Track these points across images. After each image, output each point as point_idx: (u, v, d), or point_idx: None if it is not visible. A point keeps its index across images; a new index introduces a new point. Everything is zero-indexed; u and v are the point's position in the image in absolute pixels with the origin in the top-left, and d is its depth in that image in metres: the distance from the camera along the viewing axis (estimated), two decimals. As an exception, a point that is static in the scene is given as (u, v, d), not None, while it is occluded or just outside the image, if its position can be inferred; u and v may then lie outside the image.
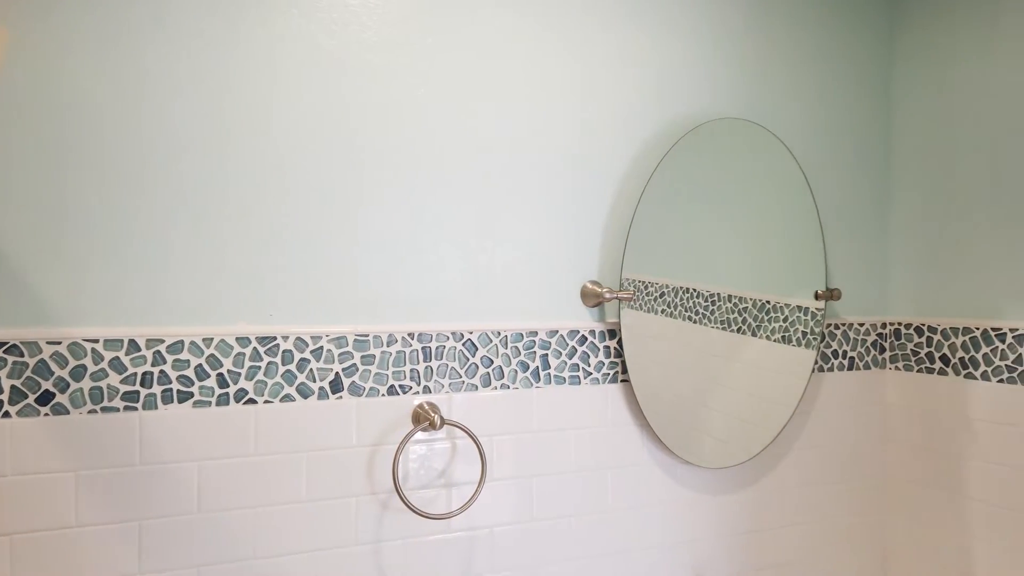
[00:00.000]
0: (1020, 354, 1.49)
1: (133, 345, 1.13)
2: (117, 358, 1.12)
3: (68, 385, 1.10)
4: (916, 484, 1.70)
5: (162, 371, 1.15)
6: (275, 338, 1.22)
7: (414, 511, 1.23)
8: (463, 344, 1.35)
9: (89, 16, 1.11)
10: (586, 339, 1.45)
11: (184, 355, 1.16)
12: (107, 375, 1.12)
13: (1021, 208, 1.50)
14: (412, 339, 1.31)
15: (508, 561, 1.38)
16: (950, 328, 1.63)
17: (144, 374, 1.14)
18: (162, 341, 1.15)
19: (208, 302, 1.18)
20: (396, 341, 1.30)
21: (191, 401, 1.16)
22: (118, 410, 1.12)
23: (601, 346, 1.47)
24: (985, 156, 1.57)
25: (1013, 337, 1.50)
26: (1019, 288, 1.50)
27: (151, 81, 1.14)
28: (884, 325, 1.78)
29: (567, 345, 1.43)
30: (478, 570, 1.36)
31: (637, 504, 1.50)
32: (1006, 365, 1.52)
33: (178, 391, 1.16)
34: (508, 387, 1.39)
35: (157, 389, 1.14)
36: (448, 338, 1.34)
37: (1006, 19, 1.53)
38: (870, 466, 1.76)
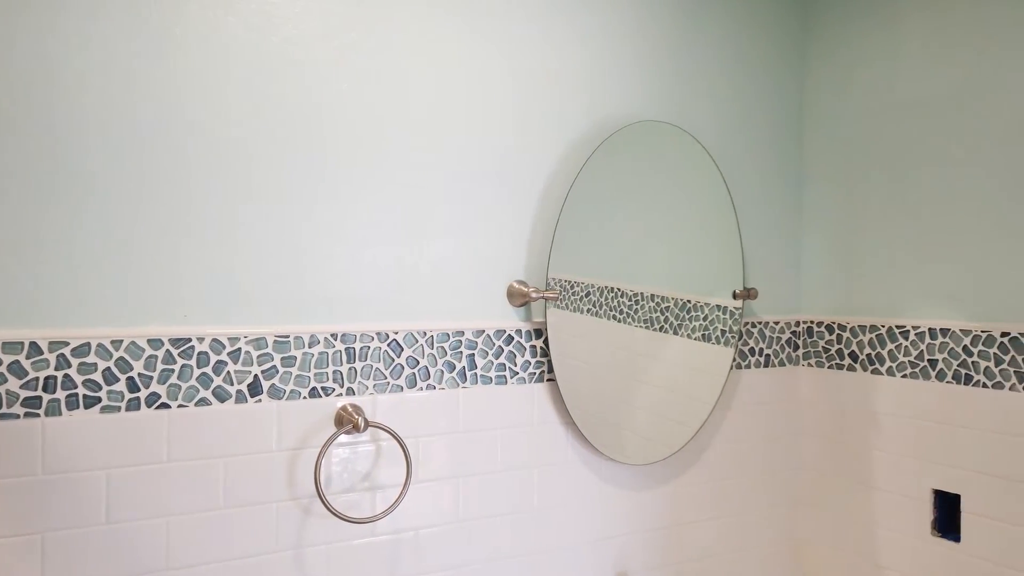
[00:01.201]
0: (922, 350, 1.58)
1: (34, 348, 1.07)
2: (17, 362, 1.06)
3: (-39, 391, 1.03)
4: (827, 475, 1.78)
5: (67, 375, 1.09)
6: (190, 340, 1.17)
7: (337, 515, 1.20)
8: (388, 344, 1.33)
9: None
10: (512, 339, 1.46)
11: (91, 358, 1.10)
12: (6, 380, 1.05)
13: (922, 211, 1.59)
14: (335, 340, 1.28)
15: (434, 563, 1.37)
16: (858, 326, 1.71)
17: (47, 378, 1.08)
18: (66, 343, 1.09)
19: (117, 302, 1.13)
20: (318, 342, 1.27)
21: (98, 406, 1.11)
22: (18, 416, 1.06)
23: (527, 345, 1.47)
24: (888, 160, 1.66)
25: (916, 334, 1.59)
26: (921, 288, 1.59)
27: (54, 73, 1.08)
28: (798, 323, 1.85)
29: (493, 345, 1.43)
30: (404, 573, 1.34)
31: (563, 502, 1.51)
32: (909, 361, 1.60)
33: (84, 396, 1.10)
34: (434, 388, 1.38)
35: (61, 394, 1.08)
36: (373, 339, 1.32)
37: (907, 26, 1.62)
38: (785, 459, 1.83)
